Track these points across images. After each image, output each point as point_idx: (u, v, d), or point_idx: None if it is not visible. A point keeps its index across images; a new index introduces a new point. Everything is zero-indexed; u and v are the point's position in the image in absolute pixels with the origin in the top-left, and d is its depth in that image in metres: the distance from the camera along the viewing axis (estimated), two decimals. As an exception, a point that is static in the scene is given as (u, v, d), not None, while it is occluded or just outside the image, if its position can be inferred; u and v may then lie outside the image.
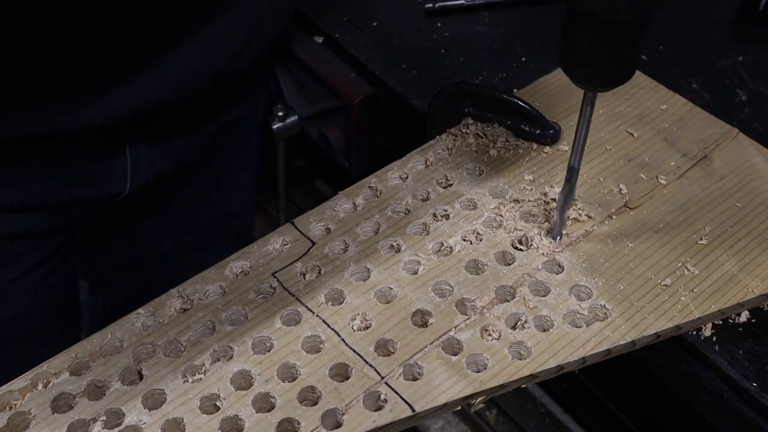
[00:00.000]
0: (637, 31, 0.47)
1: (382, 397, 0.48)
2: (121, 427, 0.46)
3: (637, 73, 0.69)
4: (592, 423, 0.87)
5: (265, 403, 0.48)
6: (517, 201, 0.59)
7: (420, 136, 0.67)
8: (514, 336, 0.51)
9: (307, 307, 0.52)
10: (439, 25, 0.83)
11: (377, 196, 0.60)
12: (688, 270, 0.56)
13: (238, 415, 0.47)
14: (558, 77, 0.70)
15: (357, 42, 0.80)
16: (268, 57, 0.82)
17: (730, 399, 0.55)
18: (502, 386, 0.49)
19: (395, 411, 0.47)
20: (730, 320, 0.57)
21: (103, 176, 0.71)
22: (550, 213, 0.58)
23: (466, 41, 0.81)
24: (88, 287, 0.96)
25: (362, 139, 0.81)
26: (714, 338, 0.56)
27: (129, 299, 0.57)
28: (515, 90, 0.69)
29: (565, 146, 0.64)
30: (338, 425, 0.46)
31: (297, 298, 0.53)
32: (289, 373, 0.49)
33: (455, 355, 0.50)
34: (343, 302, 0.52)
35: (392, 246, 0.56)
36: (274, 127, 0.84)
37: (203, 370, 0.49)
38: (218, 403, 0.47)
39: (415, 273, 0.55)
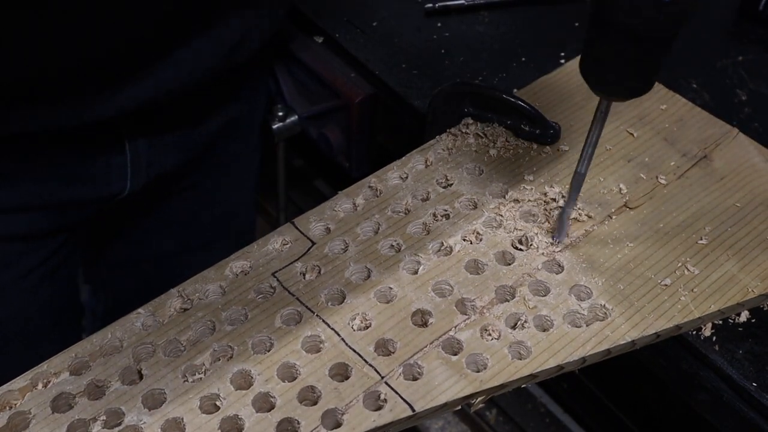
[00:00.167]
0: (664, 44, 0.45)
1: (382, 396, 0.48)
2: (121, 427, 0.46)
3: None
4: (592, 423, 0.87)
5: (265, 403, 0.48)
6: (517, 201, 0.59)
7: (420, 136, 0.67)
8: (514, 336, 0.51)
9: (307, 306, 0.52)
10: (439, 25, 0.83)
11: (377, 196, 0.60)
12: (688, 270, 0.56)
13: (238, 415, 0.47)
14: (558, 77, 0.70)
15: (357, 42, 0.80)
16: (268, 54, 0.82)
17: (730, 399, 0.55)
18: (502, 386, 0.49)
19: (395, 411, 0.47)
20: (730, 320, 0.57)
21: (103, 175, 0.71)
22: (550, 213, 0.58)
23: (466, 41, 0.81)
24: (88, 287, 0.96)
25: (362, 139, 0.81)
26: (714, 338, 0.56)
27: (129, 299, 0.57)
28: (515, 90, 0.69)
29: (565, 146, 0.64)
30: (338, 425, 0.46)
31: (297, 298, 0.53)
32: (288, 373, 0.49)
33: (455, 354, 0.50)
34: (343, 302, 0.52)
35: (392, 246, 0.57)
36: (274, 127, 0.84)
37: (203, 370, 0.49)
38: (218, 403, 0.47)
39: (415, 273, 0.55)
